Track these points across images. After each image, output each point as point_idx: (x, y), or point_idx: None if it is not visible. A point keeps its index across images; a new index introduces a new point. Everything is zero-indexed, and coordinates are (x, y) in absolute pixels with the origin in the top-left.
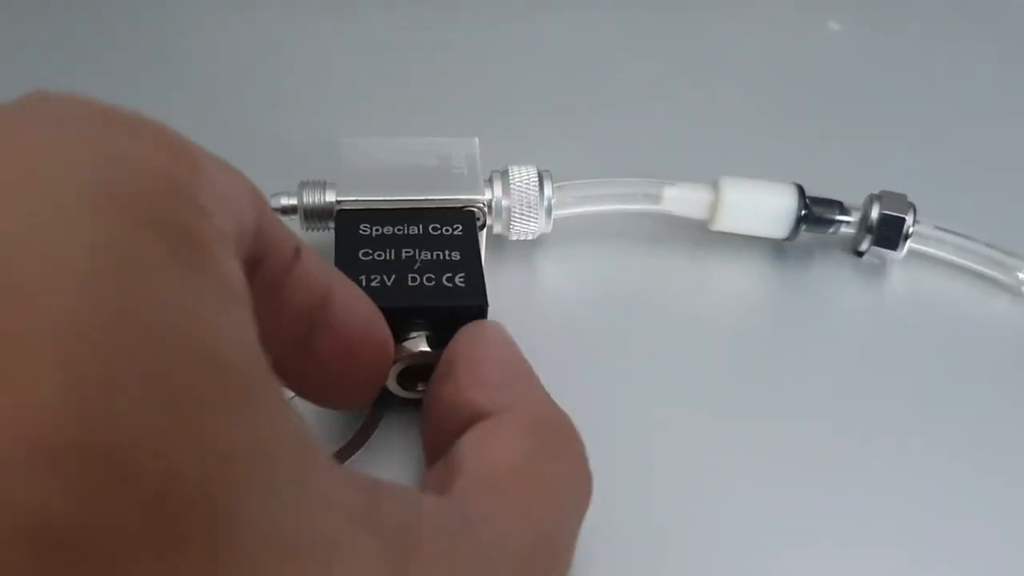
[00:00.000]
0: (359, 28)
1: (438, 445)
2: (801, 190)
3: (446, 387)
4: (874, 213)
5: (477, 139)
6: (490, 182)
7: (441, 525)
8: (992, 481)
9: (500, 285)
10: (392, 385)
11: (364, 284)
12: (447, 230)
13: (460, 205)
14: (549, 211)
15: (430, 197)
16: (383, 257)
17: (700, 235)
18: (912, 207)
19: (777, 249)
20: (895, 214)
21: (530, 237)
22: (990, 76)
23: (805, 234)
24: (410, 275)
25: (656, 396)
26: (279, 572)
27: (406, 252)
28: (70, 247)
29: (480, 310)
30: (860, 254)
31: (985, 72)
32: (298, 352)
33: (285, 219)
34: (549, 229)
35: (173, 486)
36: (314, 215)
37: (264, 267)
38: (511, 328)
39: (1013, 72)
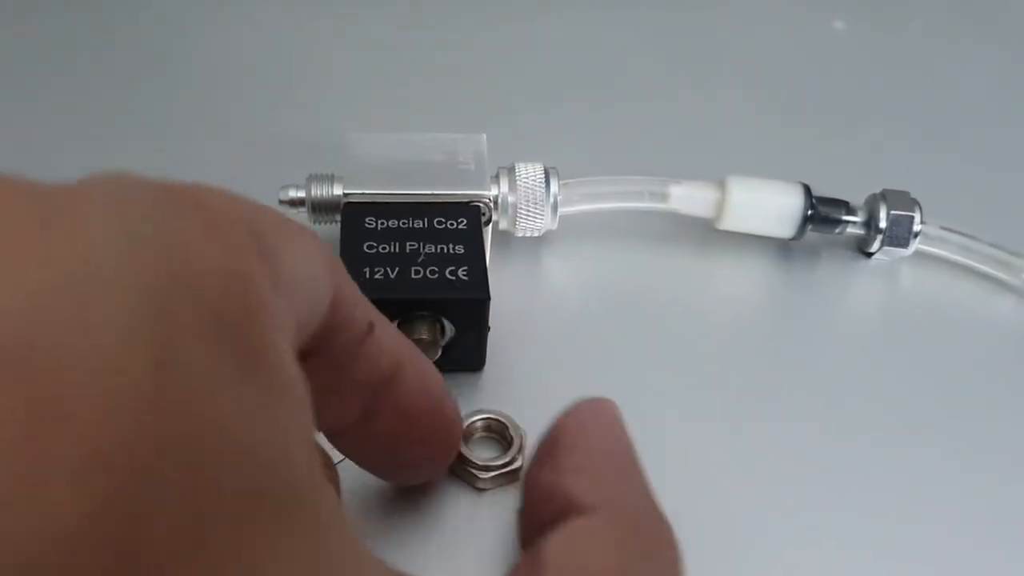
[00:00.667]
0: (368, 26)
1: (532, 527)
2: (808, 190)
3: (545, 469)
4: (882, 213)
5: (484, 135)
6: (497, 178)
7: None
8: (997, 480)
9: (505, 281)
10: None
11: (368, 276)
12: (452, 224)
13: (466, 200)
14: (555, 208)
15: (436, 192)
16: (387, 250)
17: (706, 234)
18: (918, 204)
19: (783, 248)
20: (904, 213)
21: (536, 234)
22: (992, 75)
23: (811, 234)
24: (413, 268)
25: (661, 394)
26: None
27: (410, 245)
28: (127, 355)
29: (482, 303)
30: (869, 254)
31: (987, 72)
32: (362, 425)
33: (293, 211)
34: (555, 226)
35: None
36: (322, 208)
37: (335, 342)
38: (515, 323)
39: (1015, 72)
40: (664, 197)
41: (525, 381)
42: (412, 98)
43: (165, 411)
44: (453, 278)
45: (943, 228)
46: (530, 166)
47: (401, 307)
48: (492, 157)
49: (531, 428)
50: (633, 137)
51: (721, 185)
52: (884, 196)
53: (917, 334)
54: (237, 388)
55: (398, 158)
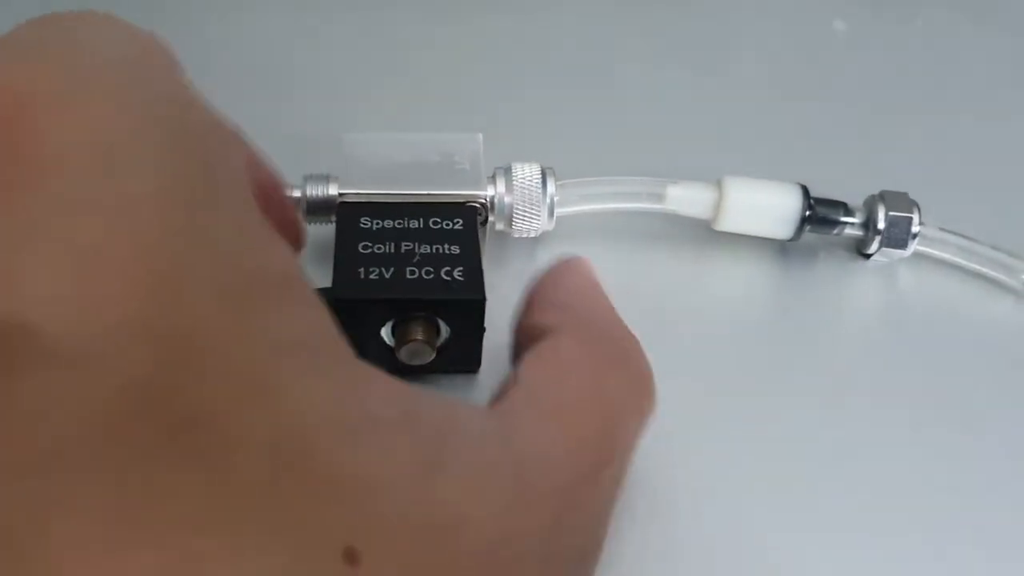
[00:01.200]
0: (360, 24)
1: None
2: (805, 191)
3: (524, 315)
4: (880, 214)
5: (480, 135)
6: (493, 179)
7: (479, 435)
8: (995, 480)
9: (502, 282)
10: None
11: (363, 276)
12: (447, 224)
13: (462, 200)
14: (552, 209)
15: (432, 192)
16: (383, 250)
17: (704, 235)
18: (916, 205)
19: (780, 249)
20: (903, 214)
21: (532, 235)
22: (995, 75)
23: (809, 235)
24: (408, 268)
25: (660, 395)
26: (332, 446)
27: (405, 246)
28: (144, 183)
29: (478, 304)
30: (867, 256)
31: (989, 71)
32: None
33: None
34: (552, 227)
35: (226, 363)
36: (317, 208)
37: None
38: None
39: (1018, 71)
40: (661, 198)
41: None
42: (406, 97)
43: (194, 221)
44: (449, 279)
45: (942, 229)
46: (527, 166)
47: (396, 307)
48: (488, 157)
49: None
50: (630, 137)
51: (718, 186)
52: (883, 197)
53: (916, 335)
54: (229, 210)
55: (394, 158)
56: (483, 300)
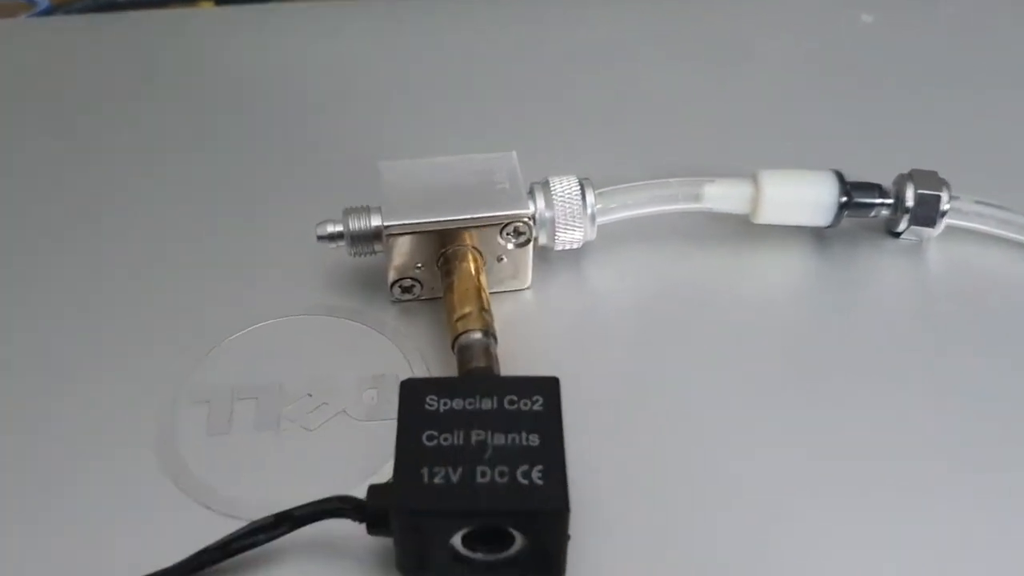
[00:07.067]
0: (382, 46)
1: None
2: (840, 176)
3: None
4: (909, 192)
5: (514, 153)
6: (532, 194)
7: None
8: None
9: (550, 296)
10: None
11: (427, 479)
12: (525, 404)
13: (507, 221)
14: (593, 219)
15: (476, 215)
16: (450, 441)
17: (743, 228)
18: (946, 184)
19: (818, 235)
20: (931, 192)
21: (575, 246)
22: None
23: (846, 219)
24: (480, 468)
25: (709, 390)
26: None
27: (476, 435)
28: None
29: (559, 515)
30: (897, 235)
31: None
32: None
33: (332, 246)
34: (594, 236)
35: None
36: (361, 240)
37: None
38: (565, 337)
39: None
40: (698, 197)
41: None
42: (432, 117)
43: None
44: (526, 481)
45: (978, 202)
46: (564, 179)
47: (466, 517)
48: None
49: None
50: (659, 138)
51: (754, 180)
52: (911, 176)
53: (955, 307)
54: None
55: (433, 183)
56: (567, 511)
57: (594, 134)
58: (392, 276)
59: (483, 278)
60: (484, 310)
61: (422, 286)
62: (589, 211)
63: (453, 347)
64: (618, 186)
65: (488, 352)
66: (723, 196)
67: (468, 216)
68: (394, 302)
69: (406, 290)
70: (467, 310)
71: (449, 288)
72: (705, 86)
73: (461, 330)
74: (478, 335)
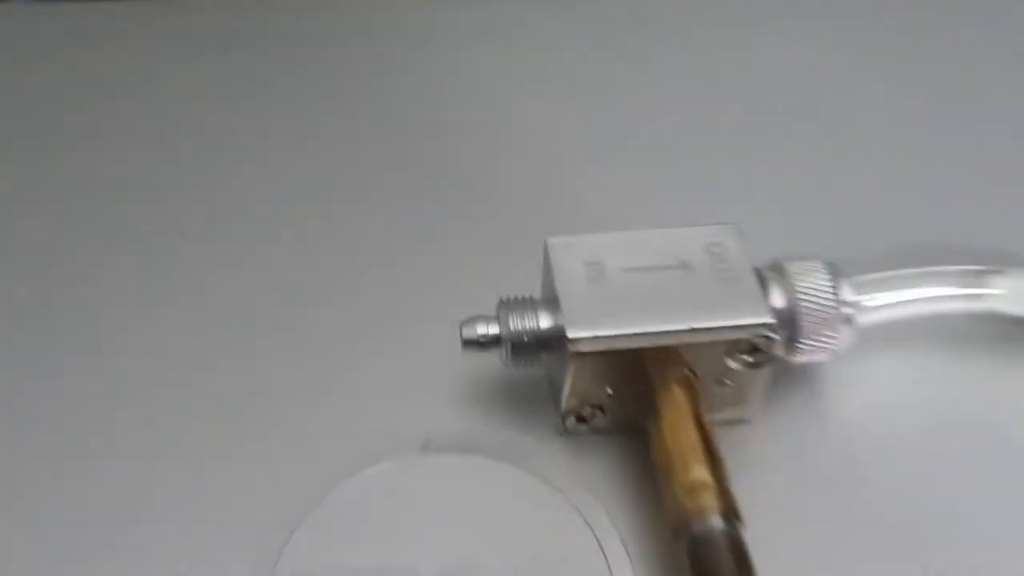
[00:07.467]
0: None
1: None
2: None
3: None
4: None
5: (732, 225)
6: (763, 285)
7: None
8: None
9: (777, 427)
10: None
11: None
12: None
13: (741, 335)
14: (849, 322)
15: (699, 326)
16: None
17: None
18: None
19: None
20: None
21: (823, 359)
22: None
23: None
24: None
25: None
26: None
27: None
28: None
29: None
30: None
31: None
32: None
33: (483, 353)
34: (848, 346)
35: None
36: (525, 348)
37: None
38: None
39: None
40: (980, 298)
41: None
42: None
43: None
44: None
45: None
46: (806, 264)
47: None
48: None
49: None
50: (889, 196)
51: None
52: None
53: None
54: None
55: (627, 272)
56: None
57: (803, 194)
58: (570, 404)
59: (707, 418)
60: (721, 478)
61: (604, 414)
62: (844, 311)
63: (675, 531)
64: (877, 274)
65: (739, 553)
66: (1018, 293)
67: (687, 327)
68: (562, 434)
69: (582, 420)
70: (696, 476)
71: (659, 433)
72: (939, 135)
73: (692, 509)
74: (719, 523)
